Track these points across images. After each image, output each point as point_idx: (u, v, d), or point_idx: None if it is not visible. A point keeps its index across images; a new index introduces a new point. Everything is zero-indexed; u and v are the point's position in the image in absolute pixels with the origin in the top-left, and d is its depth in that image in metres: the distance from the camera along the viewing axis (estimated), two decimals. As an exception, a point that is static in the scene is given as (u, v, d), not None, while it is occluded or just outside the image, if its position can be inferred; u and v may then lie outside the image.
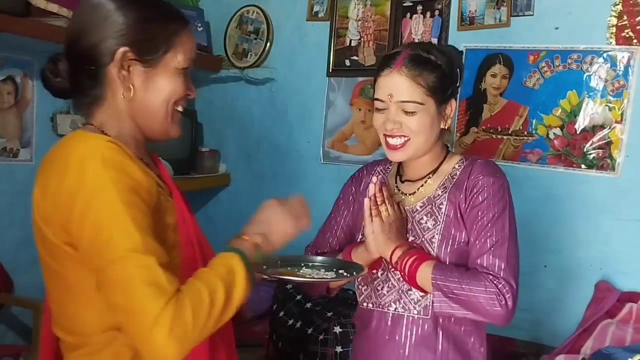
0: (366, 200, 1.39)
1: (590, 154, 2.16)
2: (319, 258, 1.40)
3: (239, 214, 2.89)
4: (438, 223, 1.41)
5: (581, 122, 2.18)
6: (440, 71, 1.38)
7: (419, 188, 1.47)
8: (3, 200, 2.35)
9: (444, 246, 1.38)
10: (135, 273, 0.91)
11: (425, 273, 1.32)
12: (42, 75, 1.15)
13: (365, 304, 1.48)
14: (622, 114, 2.11)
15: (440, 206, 1.41)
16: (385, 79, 1.38)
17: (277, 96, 2.83)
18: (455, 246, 1.38)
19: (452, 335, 1.39)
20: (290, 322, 2.20)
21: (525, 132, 2.27)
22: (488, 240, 1.34)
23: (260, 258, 1.10)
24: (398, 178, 1.52)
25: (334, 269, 1.32)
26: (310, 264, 1.36)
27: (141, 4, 1.11)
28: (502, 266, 1.31)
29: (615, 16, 2.11)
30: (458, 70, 1.44)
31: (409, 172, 1.50)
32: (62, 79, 1.12)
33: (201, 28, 2.83)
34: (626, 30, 2.10)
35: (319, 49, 2.69)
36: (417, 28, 2.47)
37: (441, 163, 1.47)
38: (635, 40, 2.09)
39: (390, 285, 1.43)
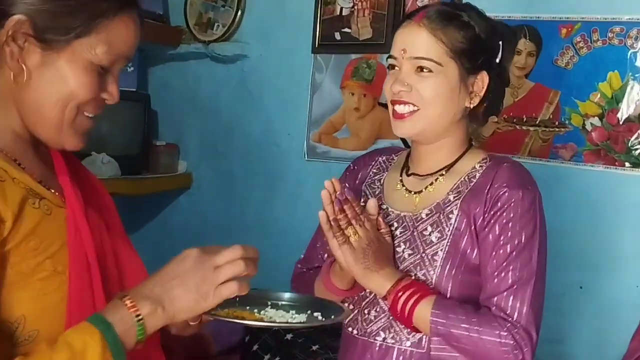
0: (321, 214, 1.32)
1: (636, 149, 2.16)
2: (288, 295, 1.26)
3: (201, 223, 2.87)
4: (444, 237, 1.38)
5: (625, 110, 2.17)
6: (472, 32, 1.37)
7: (427, 187, 1.44)
8: None
9: (448, 267, 1.35)
10: None
11: (423, 313, 1.28)
12: None
13: (350, 329, 1.45)
14: (676, 100, 2.11)
15: (450, 216, 1.39)
16: (402, 31, 1.39)
17: (250, 77, 2.82)
18: (463, 268, 1.35)
19: None
20: (267, 357, 2.18)
21: (557, 123, 2.27)
22: (510, 275, 1.31)
23: (141, 335, 0.97)
24: (404, 171, 1.49)
25: (307, 311, 1.20)
26: (279, 302, 1.23)
27: None
28: (524, 311, 1.28)
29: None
30: (501, 43, 1.42)
31: (418, 163, 1.47)
32: None
33: (155, -8, 2.80)
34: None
35: (302, 19, 2.69)
36: (423, -7, 2.45)
37: (459, 158, 1.44)
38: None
39: (379, 309, 1.41)
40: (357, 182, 1.55)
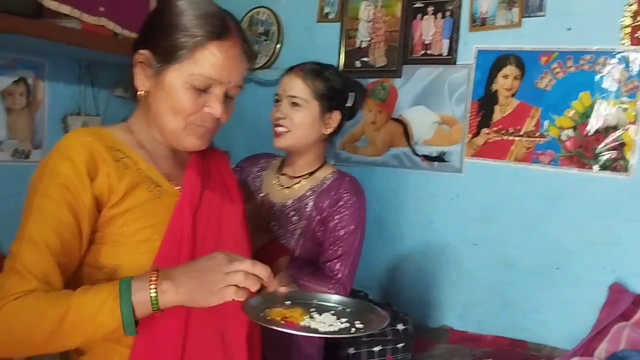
0: None
1: (603, 155, 2.17)
2: (336, 298, 1.22)
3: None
4: (302, 219, 1.69)
5: (594, 124, 2.19)
6: (330, 84, 1.71)
7: (293, 185, 1.75)
8: (15, 201, 2.38)
9: (302, 240, 1.67)
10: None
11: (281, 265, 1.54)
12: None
13: None
14: (636, 115, 2.12)
15: (306, 206, 1.69)
16: (284, 78, 1.74)
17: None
18: (310, 240, 1.67)
19: None
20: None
21: (537, 134, 2.29)
22: (340, 249, 1.64)
23: (155, 305, 0.99)
24: (279, 172, 1.81)
25: (348, 319, 1.10)
26: (326, 304, 1.18)
27: (172, 11, 1.12)
28: (345, 273, 1.63)
29: (629, 16, 2.12)
30: (352, 94, 1.75)
31: (288, 167, 1.78)
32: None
33: (211, 29, 2.85)
34: (640, 31, 2.11)
35: (329, 50, 2.71)
36: (428, 29, 2.49)
37: (318, 169, 1.76)
38: (649, 41, 2.10)
39: None
40: (243, 175, 1.83)
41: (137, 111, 1.20)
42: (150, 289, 0.98)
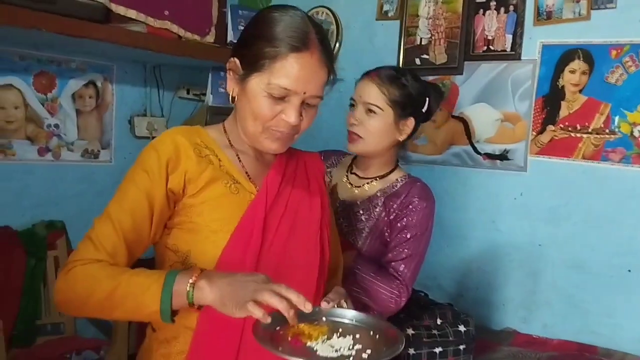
0: None
1: (679, 152, 2.06)
2: (353, 313, 1.19)
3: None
4: (370, 219, 1.69)
5: (669, 119, 2.08)
6: (406, 90, 1.68)
7: (363, 185, 1.75)
8: (84, 200, 2.48)
9: (369, 239, 1.68)
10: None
11: (347, 260, 1.59)
12: None
13: None
14: None
15: (376, 206, 1.70)
16: (360, 84, 1.72)
17: (345, 97, 2.83)
18: (377, 239, 1.68)
19: None
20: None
21: (607, 130, 2.20)
22: (405, 251, 1.65)
23: (191, 299, 1.04)
24: (349, 170, 1.81)
25: (364, 345, 1.07)
26: (342, 321, 1.16)
27: (261, 22, 1.18)
28: (408, 275, 1.63)
29: None
30: (428, 98, 1.73)
31: (359, 168, 1.79)
32: None
33: (271, 30, 2.89)
34: None
35: (387, 48, 2.70)
36: (491, 25, 2.44)
37: (390, 172, 1.75)
38: None
39: None
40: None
41: (232, 114, 1.28)
42: (189, 283, 1.04)
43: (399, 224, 1.67)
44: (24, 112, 2.29)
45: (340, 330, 1.11)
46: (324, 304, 1.17)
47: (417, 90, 1.71)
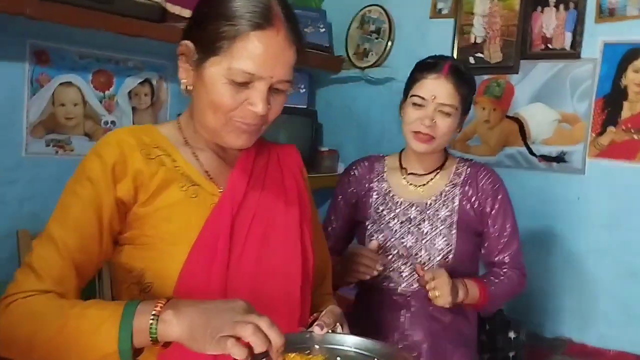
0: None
1: None
2: (353, 339, 1.02)
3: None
4: (453, 213, 1.62)
5: None
6: (472, 87, 1.66)
7: (428, 182, 1.68)
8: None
9: (461, 232, 1.60)
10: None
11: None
12: None
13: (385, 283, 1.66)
14: None
15: (454, 199, 1.63)
16: (433, 81, 1.59)
17: (397, 96, 2.80)
18: (468, 231, 1.62)
19: None
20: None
21: (673, 133, 2.08)
22: (514, 242, 1.64)
23: (154, 334, 0.86)
24: (404, 171, 1.72)
25: None
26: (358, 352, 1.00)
27: None
28: (524, 263, 1.67)
29: None
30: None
31: (415, 165, 1.71)
32: None
33: (323, 29, 2.91)
34: None
35: (441, 47, 2.64)
36: (549, 22, 2.36)
37: (445, 162, 1.71)
38: None
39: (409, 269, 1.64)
40: (358, 187, 1.75)
41: (188, 107, 1.12)
42: (151, 314, 0.86)
43: (487, 209, 1.64)
44: (82, 109, 2.37)
45: (339, 359, 0.96)
46: (317, 329, 1.01)
47: (473, 85, 1.68)
